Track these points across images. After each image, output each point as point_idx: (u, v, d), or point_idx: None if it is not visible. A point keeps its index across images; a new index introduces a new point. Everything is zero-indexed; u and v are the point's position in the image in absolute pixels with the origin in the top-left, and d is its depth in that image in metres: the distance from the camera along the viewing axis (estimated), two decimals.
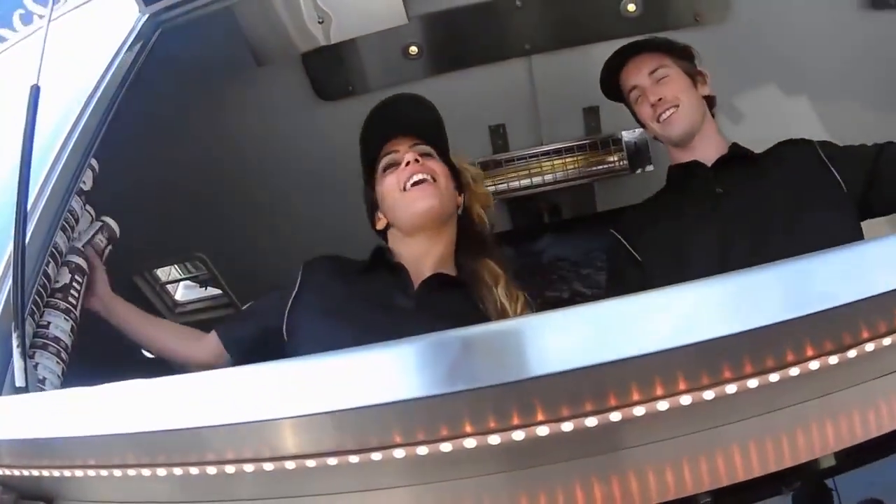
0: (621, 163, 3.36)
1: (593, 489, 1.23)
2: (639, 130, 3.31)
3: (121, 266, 3.44)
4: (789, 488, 1.29)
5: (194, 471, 1.32)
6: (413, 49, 2.97)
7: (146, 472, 1.39)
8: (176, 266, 3.76)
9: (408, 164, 1.92)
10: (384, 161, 1.99)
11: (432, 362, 1.17)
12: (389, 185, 1.95)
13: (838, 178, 2.15)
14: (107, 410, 1.35)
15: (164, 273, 3.72)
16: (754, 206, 2.13)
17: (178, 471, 1.34)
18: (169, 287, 3.78)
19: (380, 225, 2.05)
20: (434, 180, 1.93)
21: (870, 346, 1.20)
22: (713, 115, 2.36)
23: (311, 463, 1.24)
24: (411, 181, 1.91)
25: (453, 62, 3.07)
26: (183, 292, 3.92)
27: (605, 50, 3.08)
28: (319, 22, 2.49)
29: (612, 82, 2.40)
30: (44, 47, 1.59)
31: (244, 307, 1.91)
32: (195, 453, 1.33)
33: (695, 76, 2.32)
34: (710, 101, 2.34)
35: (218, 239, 3.43)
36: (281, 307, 1.94)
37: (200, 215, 3.29)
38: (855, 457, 1.29)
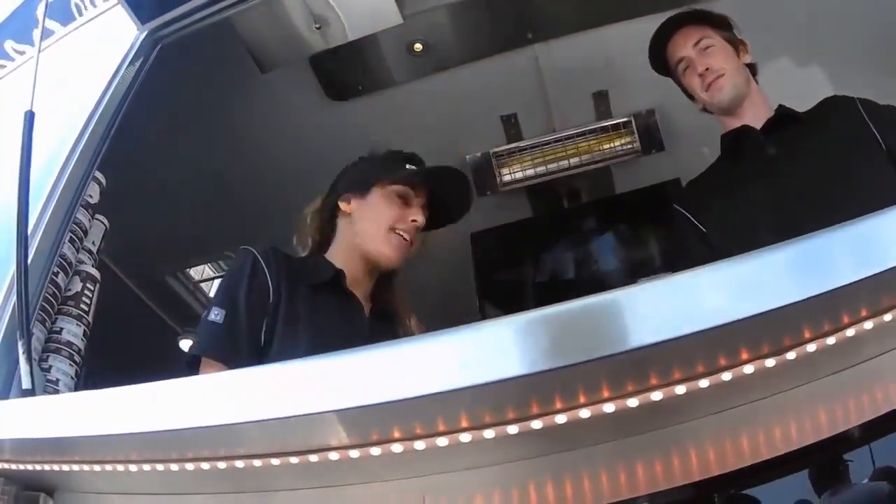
0: (633, 145, 3.39)
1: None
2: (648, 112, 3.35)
3: (154, 267, 3.64)
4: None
5: (242, 464, 1.40)
6: (417, 46, 3.05)
7: (145, 467, 1.50)
8: (209, 265, 3.92)
9: (413, 221, 2.01)
10: (401, 189, 2.05)
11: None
12: (384, 212, 2.02)
13: (878, 137, 2.15)
14: (104, 413, 1.45)
15: (197, 272, 3.89)
16: (807, 166, 2.14)
17: (221, 464, 1.42)
18: (203, 286, 3.94)
19: (344, 207, 2.08)
20: (412, 243, 2.03)
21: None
22: (756, 81, 2.36)
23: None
24: (401, 232, 2.01)
25: (458, 56, 3.14)
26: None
27: (608, 33, 3.13)
28: (317, 27, 2.56)
29: (659, 57, 2.42)
30: (35, 73, 1.71)
31: (223, 319, 1.90)
32: (232, 448, 1.42)
33: (736, 44, 2.33)
34: (751, 69, 2.35)
35: (245, 237, 3.54)
36: (263, 307, 1.92)
37: (226, 215, 3.42)
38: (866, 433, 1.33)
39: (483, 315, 3.49)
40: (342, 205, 2.09)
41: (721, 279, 1.19)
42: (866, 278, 1.16)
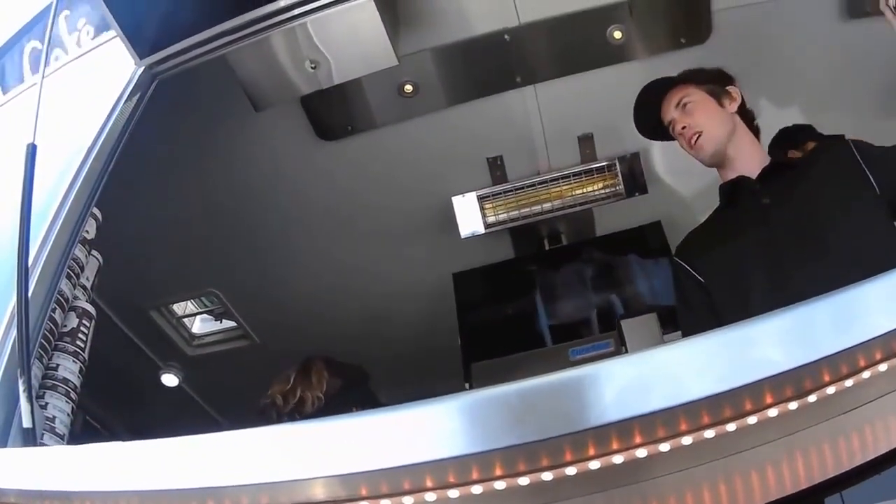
0: (617, 188, 3.43)
1: None
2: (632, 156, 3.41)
3: (138, 302, 3.61)
4: None
5: None
6: (408, 87, 3.08)
7: None
8: (192, 301, 3.90)
9: None
10: None
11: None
12: None
13: (872, 180, 2.16)
14: (108, 468, 1.42)
15: (180, 308, 3.87)
16: (800, 214, 2.16)
17: None
18: (185, 321, 3.92)
19: None
20: None
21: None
22: (756, 128, 2.37)
23: None
24: None
25: (447, 98, 3.17)
26: (200, 325, 4.07)
27: (595, 78, 3.18)
28: (312, 68, 2.58)
29: (649, 123, 2.42)
30: (38, 106, 1.70)
31: None
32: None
33: (720, 96, 2.33)
34: (746, 115, 2.36)
35: (229, 274, 3.55)
36: None
37: (212, 253, 3.42)
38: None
39: (464, 354, 3.50)
40: None
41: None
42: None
